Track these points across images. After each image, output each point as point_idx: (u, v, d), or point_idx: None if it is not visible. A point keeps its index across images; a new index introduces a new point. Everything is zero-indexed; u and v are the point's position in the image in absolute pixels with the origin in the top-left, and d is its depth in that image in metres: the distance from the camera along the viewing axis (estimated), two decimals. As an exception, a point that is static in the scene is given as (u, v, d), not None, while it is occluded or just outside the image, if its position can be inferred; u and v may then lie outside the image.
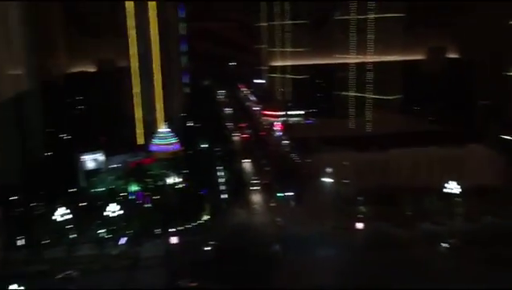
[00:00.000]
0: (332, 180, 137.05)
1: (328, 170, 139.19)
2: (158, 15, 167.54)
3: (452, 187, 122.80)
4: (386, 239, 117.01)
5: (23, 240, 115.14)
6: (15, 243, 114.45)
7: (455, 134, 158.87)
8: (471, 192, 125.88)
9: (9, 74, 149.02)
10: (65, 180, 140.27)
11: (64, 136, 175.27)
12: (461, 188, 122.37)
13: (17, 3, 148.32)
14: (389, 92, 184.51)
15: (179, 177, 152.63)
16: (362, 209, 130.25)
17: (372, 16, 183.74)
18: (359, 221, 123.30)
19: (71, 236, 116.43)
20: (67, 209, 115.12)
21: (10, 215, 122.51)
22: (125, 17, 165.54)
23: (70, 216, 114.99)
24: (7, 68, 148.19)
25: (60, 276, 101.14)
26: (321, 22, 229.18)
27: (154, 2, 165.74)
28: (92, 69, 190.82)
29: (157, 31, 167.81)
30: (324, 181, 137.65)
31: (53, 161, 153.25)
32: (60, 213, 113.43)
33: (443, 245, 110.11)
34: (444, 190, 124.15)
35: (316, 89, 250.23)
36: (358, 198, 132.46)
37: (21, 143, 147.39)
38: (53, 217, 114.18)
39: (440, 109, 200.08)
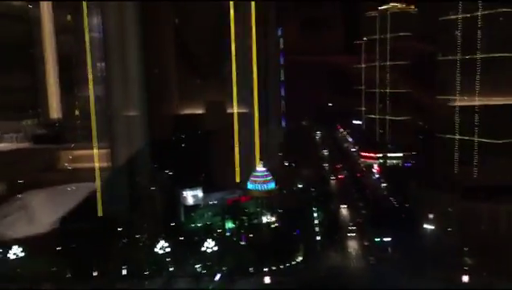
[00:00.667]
0: (433, 227, 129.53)
1: (430, 216, 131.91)
2: (258, 57, 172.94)
3: None
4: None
5: (126, 270, 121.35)
6: (120, 272, 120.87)
7: None
8: None
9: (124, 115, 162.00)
10: (167, 214, 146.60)
11: (168, 172, 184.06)
12: None
13: (136, 41, 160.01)
14: (498, 135, 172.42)
15: (273, 216, 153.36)
16: (468, 260, 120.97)
17: (479, 56, 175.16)
18: (464, 274, 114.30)
19: (169, 269, 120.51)
20: (166, 242, 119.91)
21: (116, 245, 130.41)
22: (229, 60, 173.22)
23: (169, 249, 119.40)
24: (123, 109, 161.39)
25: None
26: (423, 62, 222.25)
27: (254, 46, 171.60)
28: (199, 111, 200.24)
29: (256, 73, 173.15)
30: (425, 228, 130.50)
31: (156, 196, 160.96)
32: (161, 246, 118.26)
33: None
34: None
35: (417, 131, 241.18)
36: (463, 248, 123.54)
37: (129, 178, 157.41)
38: (154, 250, 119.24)
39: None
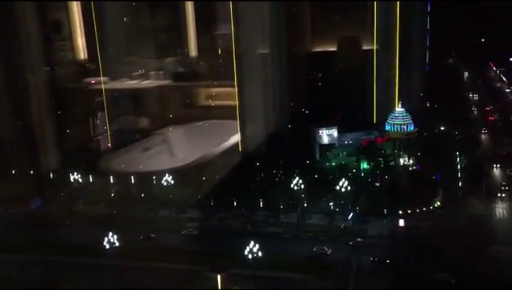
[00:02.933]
0: None
1: None
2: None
3: None
4: None
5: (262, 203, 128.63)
6: (258, 205, 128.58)
7: None
8: None
9: (259, 53, 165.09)
10: (302, 152, 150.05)
11: (305, 111, 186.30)
12: None
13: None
14: None
15: (411, 159, 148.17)
16: None
17: None
18: None
19: (304, 205, 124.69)
20: (301, 179, 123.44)
21: (255, 179, 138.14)
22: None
23: (303, 186, 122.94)
24: (257, 46, 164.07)
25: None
26: None
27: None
28: (333, 48, 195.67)
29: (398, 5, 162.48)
30: None
31: (293, 133, 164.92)
32: (296, 183, 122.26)
33: None
34: None
35: None
36: None
37: (267, 116, 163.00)
38: (290, 186, 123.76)
39: None
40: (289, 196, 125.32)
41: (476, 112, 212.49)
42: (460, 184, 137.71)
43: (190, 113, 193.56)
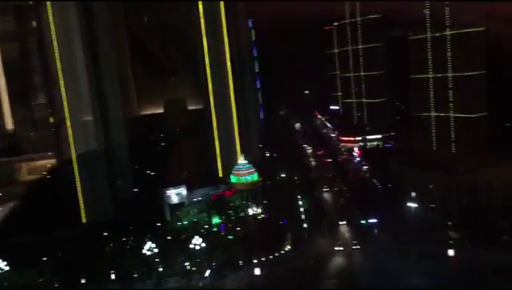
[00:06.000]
0: (416, 205, 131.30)
1: (413, 194, 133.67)
2: (230, 43, 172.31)
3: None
4: (480, 267, 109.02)
5: (114, 274, 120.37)
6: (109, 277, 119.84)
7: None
8: None
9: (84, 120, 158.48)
10: (152, 215, 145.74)
11: (150, 173, 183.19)
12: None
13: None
14: (472, 109, 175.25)
15: (259, 208, 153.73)
16: (452, 234, 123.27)
17: (449, 33, 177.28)
18: (450, 248, 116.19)
19: (159, 269, 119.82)
20: (153, 243, 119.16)
21: (103, 250, 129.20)
22: (202, 56, 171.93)
23: (156, 250, 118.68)
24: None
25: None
26: (395, 43, 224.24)
27: (227, 39, 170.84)
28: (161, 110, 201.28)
29: (229, 64, 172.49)
30: (408, 206, 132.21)
31: (141, 197, 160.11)
32: (148, 247, 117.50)
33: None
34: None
35: (395, 112, 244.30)
36: (447, 223, 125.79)
37: (110, 182, 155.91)
38: (142, 251, 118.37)
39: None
40: (142, 263, 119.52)
41: (309, 157, 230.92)
42: (305, 225, 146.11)
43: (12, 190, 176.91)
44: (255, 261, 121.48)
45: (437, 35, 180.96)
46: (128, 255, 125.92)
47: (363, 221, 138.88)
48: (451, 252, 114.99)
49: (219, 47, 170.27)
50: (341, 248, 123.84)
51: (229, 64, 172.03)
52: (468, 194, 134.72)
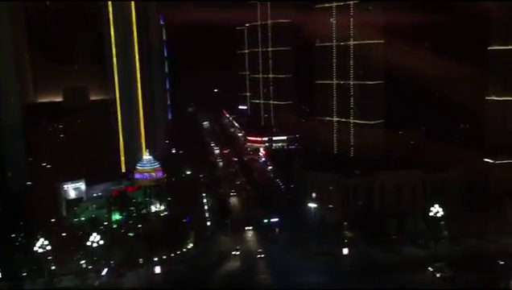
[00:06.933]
0: (316, 206, 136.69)
1: (313, 195, 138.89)
2: (139, 39, 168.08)
3: (436, 210, 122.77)
4: (371, 264, 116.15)
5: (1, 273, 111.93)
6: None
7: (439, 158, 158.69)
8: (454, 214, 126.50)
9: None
10: (46, 210, 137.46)
11: (45, 165, 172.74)
12: (444, 211, 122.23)
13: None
14: (370, 116, 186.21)
15: (162, 205, 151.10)
16: (348, 233, 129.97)
17: (352, 43, 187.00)
18: (344, 247, 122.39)
19: (51, 267, 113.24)
20: (46, 239, 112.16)
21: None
22: (108, 44, 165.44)
23: (50, 247, 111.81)
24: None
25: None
26: (303, 48, 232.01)
27: (135, 28, 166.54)
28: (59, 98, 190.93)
29: (138, 57, 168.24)
30: (309, 207, 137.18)
31: (34, 191, 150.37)
32: (40, 245, 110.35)
33: (429, 268, 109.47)
34: (429, 213, 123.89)
35: (300, 115, 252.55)
36: (343, 223, 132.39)
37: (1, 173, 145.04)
38: (33, 249, 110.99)
39: (424, 133, 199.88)
40: (33, 261, 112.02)
41: (216, 155, 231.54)
42: (208, 223, 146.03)
43: None
44: (156, 259, 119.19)
45: (341, 44, 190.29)
46: (18, 253, 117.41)
47: (265, 221, 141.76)
48: (345, 250, 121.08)
49: (126, 36, 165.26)
50: (238, 253, 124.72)
51: (137, 56, 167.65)
52: (363, 196, 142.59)
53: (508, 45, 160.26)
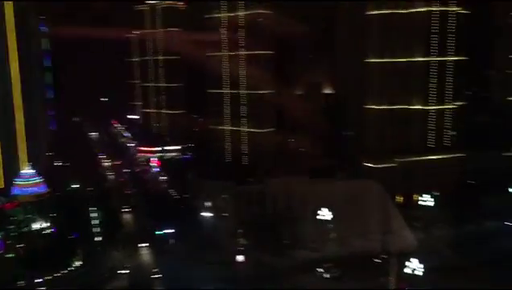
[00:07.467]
0: (211, 214, 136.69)
1: (207, 204, 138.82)
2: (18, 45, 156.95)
3: (325, 214, 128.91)
4: (264, 270, 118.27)
5: None
6: None
7: (326, 165, 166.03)
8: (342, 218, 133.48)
9: None
10: None
11: None
12: (333, 214, 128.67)
13: None
14: (261, 125, 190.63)
15: (46, 222, 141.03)
16: (242, 241, 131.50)
17: (243, 53, 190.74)
18: (238, 254, 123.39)
19: None
20: None
21: None
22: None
23: None
24: None
25: None
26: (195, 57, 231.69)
27: (13, 34, 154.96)
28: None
29: (17, 65, 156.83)
30: (203, 216, 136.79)
31: None
32: None
33: (319, 270, 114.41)
34: (318, 217, 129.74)
35: (193, 124, 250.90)
36: (238, 230, 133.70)
37: None
38: None
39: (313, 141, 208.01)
40: None
41: (105, 167, 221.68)
42: (99, 238, 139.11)
43: None
44: (40, 280, 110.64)
45: (232, 53, 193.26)
46: None
47: (159, 232, 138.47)
48: (240, 258, 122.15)
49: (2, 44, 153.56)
50: (128, 271, 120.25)
51: (16, 64, 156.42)
52: (256, 203, 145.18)
53: (383, 58, 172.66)
